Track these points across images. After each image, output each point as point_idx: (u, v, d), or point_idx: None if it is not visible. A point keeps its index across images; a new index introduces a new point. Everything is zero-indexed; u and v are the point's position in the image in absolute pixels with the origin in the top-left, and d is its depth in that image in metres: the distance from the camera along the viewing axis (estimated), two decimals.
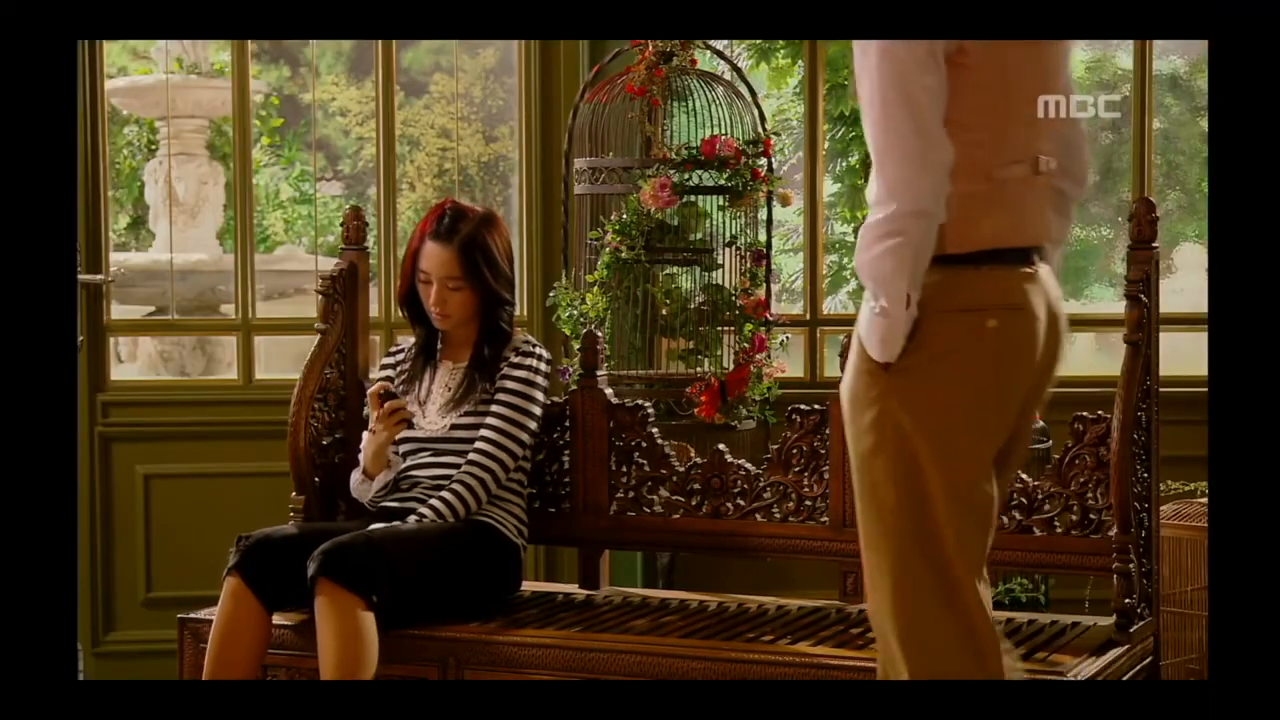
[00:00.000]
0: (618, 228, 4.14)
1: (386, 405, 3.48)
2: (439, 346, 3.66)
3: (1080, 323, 9.30)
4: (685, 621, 3.38)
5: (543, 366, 3.59)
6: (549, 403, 3.67)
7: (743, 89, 4.37)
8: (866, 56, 2.36)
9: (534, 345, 3.61)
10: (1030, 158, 2.45)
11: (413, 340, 3.70)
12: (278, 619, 3.30)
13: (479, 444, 3.50)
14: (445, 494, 3.45)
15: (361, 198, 14.13)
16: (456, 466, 3.51)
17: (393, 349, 3.76)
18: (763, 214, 4.32)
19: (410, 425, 3.53)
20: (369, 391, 3.54)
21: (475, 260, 3.52)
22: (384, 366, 3.71)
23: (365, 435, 3.56)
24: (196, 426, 5.13)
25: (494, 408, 3.53)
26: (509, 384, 3.55)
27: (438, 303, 3.54)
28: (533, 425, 3.57)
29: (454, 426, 3.54)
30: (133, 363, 9.30)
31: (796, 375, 4.90)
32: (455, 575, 3.37)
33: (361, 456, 3.56)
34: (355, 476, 3.59)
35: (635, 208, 4.13)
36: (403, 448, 3.59)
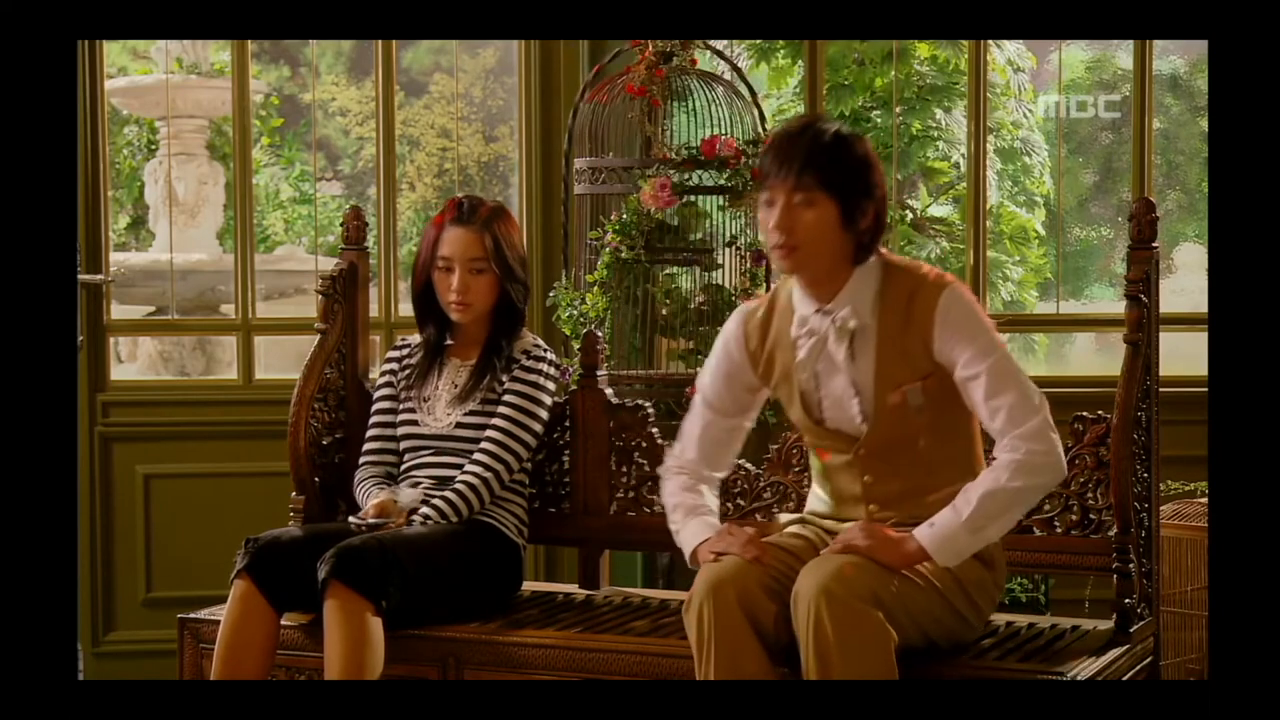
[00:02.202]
0: (618, 228, 4.14)
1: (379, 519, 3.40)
2: (448, 343, 3.64)
3: (1080, 323, 9.33)
4: None
5: (552, 370, 3.59)
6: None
7: (743, 89, 4.37)
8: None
9: (544, 349, 3.60)
10: None
11: (418, 338, 3.68)
12: (283, 620, 3.29)
13: (484, 444, 3.50)
14: (449, 494, 3.45)
15: (361, 198, 14.14)
16: (458, 467, 3.51)
17: (398, 343, 3.74)
18: None
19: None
20: (371, 506, 3.44)
21: (498, 240, 3.53)
22: (389, 360, 3.70)
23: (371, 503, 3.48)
24: (196, 426, 5.13)
25: (500, 409, 3.53)
26: (517, 385, 3.54)
27: (460, 289, 3.53)
28: (538, 428, 3.56)
29: (459, 425, 3.54)
30: (133, 363, 9.30)
31: None
32: (460, 577, 3.36)
33: (368, 500, 3.52)
34: (362, 496, 3.56)
35: (635, 208, 4.13)
36: (404, 444, 3.59)
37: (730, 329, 3.11)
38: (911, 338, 2.88)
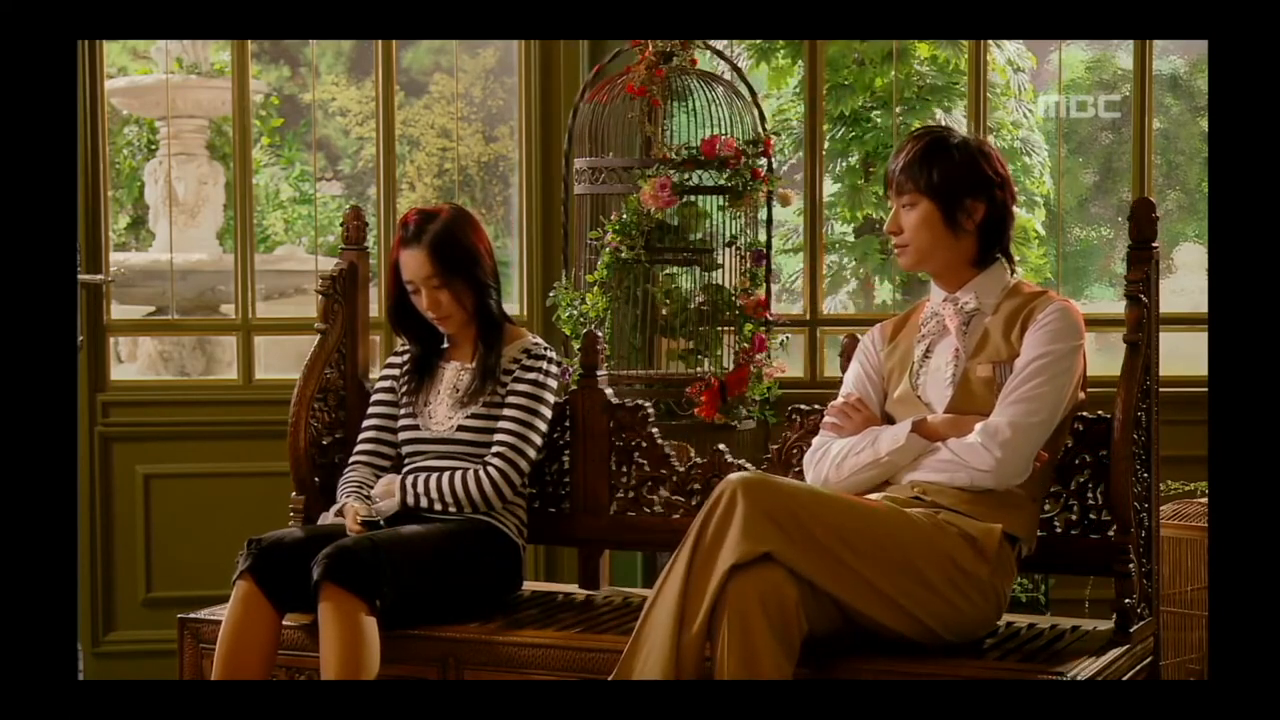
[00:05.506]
0: (618, 228, 4.14)
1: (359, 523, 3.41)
2: (445, 346, 3.65)
3: None
4: None
5: (554, 369, 3.58)
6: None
7: (743, 89, 4.37)
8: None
9: (545, 348, 3.59)
10: None
11: None
12: (285, 621, 3.29)
13: (496, 448, 3.48)
14: (471, 478, 3.45)
15: (361, 198, 14.15)
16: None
17: (399, 349, 3.74)
18: (762, 214, 4.32)
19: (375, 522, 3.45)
20: (349, 510, 3.45)
21: (448, 254, 3.51)
22: (389, 365, 3.70)
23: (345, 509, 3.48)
24: (196, 426, 5.13)
25: (506, 410, 3.50)
26: (521, 386, 3.52)
27: (431, 306, 3.53)
28: (544, 427, 3.55)
29: (460, 428, 3.53)
30: (133, 363, 9.31)
31: (796, 375, 4.91)
32: (458, 576, 3.36)
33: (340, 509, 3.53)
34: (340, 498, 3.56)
35: (635, 208, 4.13)
36: (405, 449, 3.59)
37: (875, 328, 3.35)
38: (1017, 332, 3.08)
